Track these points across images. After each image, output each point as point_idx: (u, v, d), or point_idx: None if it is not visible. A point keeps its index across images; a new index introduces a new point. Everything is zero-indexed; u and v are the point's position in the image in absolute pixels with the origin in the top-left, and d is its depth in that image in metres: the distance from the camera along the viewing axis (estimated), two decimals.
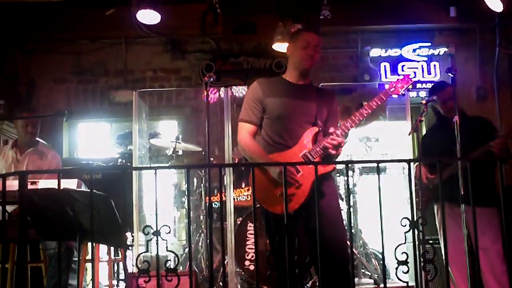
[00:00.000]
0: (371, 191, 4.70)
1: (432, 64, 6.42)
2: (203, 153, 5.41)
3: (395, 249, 2.31)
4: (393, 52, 6.44)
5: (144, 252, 2.61)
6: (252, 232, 4.55)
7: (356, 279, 4.68)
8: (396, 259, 2.31)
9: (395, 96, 3.20)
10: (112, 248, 4.19)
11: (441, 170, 2.50)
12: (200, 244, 5.05)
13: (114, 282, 4.57)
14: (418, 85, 6.31)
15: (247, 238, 4.56)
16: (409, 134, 4.14)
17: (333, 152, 2.95)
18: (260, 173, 2.96)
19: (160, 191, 5.52)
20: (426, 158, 3.85)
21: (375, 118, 4.57)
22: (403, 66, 6.45)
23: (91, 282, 4.08)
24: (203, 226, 5.02)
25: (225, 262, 3.60)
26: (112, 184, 4.06)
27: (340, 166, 4.32)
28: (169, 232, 2.31)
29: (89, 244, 3.69)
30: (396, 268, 2.31)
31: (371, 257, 4.96)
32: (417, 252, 2.39)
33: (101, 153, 6.42)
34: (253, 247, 4.49)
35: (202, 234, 5.01)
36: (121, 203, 3.25)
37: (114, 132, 6.43)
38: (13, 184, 2.49)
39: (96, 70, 6.54)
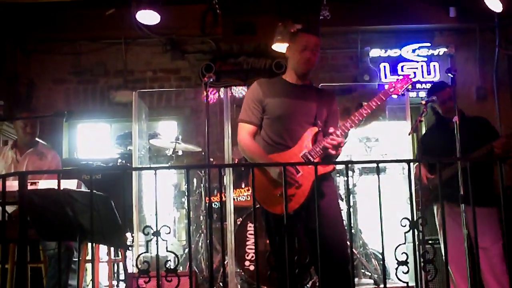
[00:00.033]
0: (371, 191, 4.71)
1: (431, 64, 6.42)
2: (203, 153, 5.41)
3: (395, 249, 2.32)
4: (393, 52, 6.44)
5: (144, 252, 2.61)
6: (252, 232, 4.55)
7: (356, 279, 4.69)
8: (396, 259, 2.31)
9: (394, 96, 3.20)
10: (112, 249, 4.19)
11: (440, 170, 2.50)
12: (200, 244, 5.05)
13: (114, 282, 4.57)
14: (418, 86, 6.30)
15: (247, 239, 4.56)
16: (409, 134, 4.14)
17: (333, 152, 2.95)
18: (260, 174, 2.96)
19: (160, 191, 5.52)
20: (426, 158, 3.85)
21: (375, 118, 4.58)
22: (402, 66, 6.45)
23: (91, 282, 4.08)
24: (203, 227, 5.02)
25: (225, 262, 3.60)
26: (112, 185, 4.07)
27: (340, 166, 4.33)
28: (169, 233, 2.31)
29: (89, 244, 3.69)
30: (396, 269, 2.31)
31: (371, 257, 4.96)
32: (417, 252, 2.39)
33: (100, 153, 6.42)
34: (253, 247, 4.49)
35: (202, 235, 5.01)
36: (121, 204, 3.25)
37: (113, 133, 6.43)
38: (13, 185, 2.49)
39: (96, 71, 6.54)
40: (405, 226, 2.33)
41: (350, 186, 4.97)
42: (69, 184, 3.32)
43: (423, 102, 3.76)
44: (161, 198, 5.53)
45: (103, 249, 4.26)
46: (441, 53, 6.38)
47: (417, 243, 2.41)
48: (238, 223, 4.62)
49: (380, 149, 5.34)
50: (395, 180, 5.28)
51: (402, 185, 5.12)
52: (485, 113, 4.93)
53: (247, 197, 4.84)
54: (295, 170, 2.93)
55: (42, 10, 6.07)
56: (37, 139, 4.34)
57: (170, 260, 3.67)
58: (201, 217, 5.11)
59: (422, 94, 6.17)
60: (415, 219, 2.35)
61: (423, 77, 6.40)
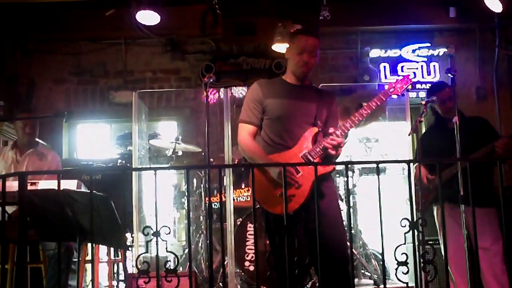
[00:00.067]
0: (370, 191, 4.70)
1: (431, 64, 6.43)
2: (203, 154, 5.41)
3: (395, 249, 2.31)
4: (393, 52, 6.44)
5: (144, 252, 2.61)
6: (252, 232, 4.55)
7: (356, 280, 4.68)
8: (396, 259, 2.31)
9: (394, 96, 3.21)
10: (112, 249, 4.19)
11: (440, 171, 2.50)
12: (200, 244, 5.05)
13: (114, 283, 4.57)
14: (418, 86, 6.31)
15: (247, 239, 4.56)
16: (408, 135, 4.14)
17: (333, 152, 2.95)
18: (260, 174, 2.96)
19: (160, 191, 5.52)
20: (426, 159, 3.85)
21: (374, 119, 4.56)
22: (402, 66, 6.45)
23: (91, 282, 4.08)
24: (203, 227, 5.02)
25: (225, 262, 3.60)
26: (112, 185, 4.07)
27: (340, 167, 4.32)
28: (169, 233, 2.31)
29: (89, 244, 3.69)
30: (396, 269, 2.31)
31: (371, 258, 4.96)
32: (417, 253, 2.39)
33: (100, 154, 6.42)
34: (253, 247, 4.49)
35: (202, 235, 5.01)
36: (120, 204, 3.25)
37: (113, 133, 6.43)
38: (13, 185, 2.49)
39: (96, 71, 6.54)
40: (405, 226, 2.33)
41: (350, 187, 4.97)
42: (69, 184, 3.32)
43: (423, 102, 3.76)
44: (161, 198, 5.53)
45: (103, 249, 4.26)
46: (441, 54, 6.38)
47: (417, 243, 2.42)
48: (238, 223, 4.62)
49: (380, 149, 5.33)
50: (395, 181, 5.28)
51: (401, 185, 5.12)
52: (485, 113, 4.92)
53: (247, 198, 4.84)
54: (295, 171, 2.93)
55: (42, 10, 6.07)
56: (37, 139, 4.35)
57: (170, 260, 3.67)
58: (201, 217, 5.11)
59: (422, 94, 6.17)
60: (415, 219, 2.35)
61: (423, 77, 6.41)
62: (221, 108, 4.96)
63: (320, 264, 2.37)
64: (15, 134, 4.52)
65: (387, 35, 6.54)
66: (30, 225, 2.61)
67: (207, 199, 4.72)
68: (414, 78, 6.27)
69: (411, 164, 2.49)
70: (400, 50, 6.42)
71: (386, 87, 3.23)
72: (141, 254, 2.96)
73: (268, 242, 3.08)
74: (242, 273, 4.51)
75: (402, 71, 6.40)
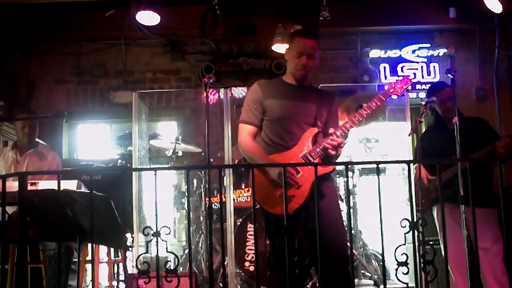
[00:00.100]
0: (370, 192, 4.71)
1: (431, 65, 6.42)
2: (203, 154, 5.40)
3: (395, 250, 2.31)
4: (393, 53, 6.44)
5: (144, 253, 2.61)
6: (252, 233, 4.55)
7: (356, 280, 4.69)
8: (396, 260, 2.31)
9: (394, 97, 3.21)
10: (112, 249, 4.19)
11: (440, 171, 2.50)
12: (200, 245, 5.05)
13: (114, 283, 4.56)
14: (418, 86, 6.31)
15: (247, 239, 4.56)
16: (408, 135, 4.14)
17: (333, 152, 2.96)
18: (260, 174, 2.96)
19: (160, 192, 5.52)
20: (426, 159, 3.85)
21: (374, 119, 4.57)
22: (402, 67, 6.45)
23: (91, 283, 4.08)
24: (203, 227, 5.02)
25: (225, 263, 3.60)
26: (112, 185, 4.07)
27: (340, 167, 4.33)
28: (169, 233, 2.31)
29: (89, 245, 3.70)
30: (396, 269, 2.31)
31: (371, 258, 4.96)
32: (417, 253, 2.39)
33: (100, 154, 6.41)
34: (253, 248, 4.49)
35: (202, 235, 5.01)
36: (121, 204, 3.25)
37: (113, 133, 6.43)
38: (13, 185, 2.49)
39: (96, 71, 6.54)
40: (405, 227, 2.33)
41: (350, 187, 4.97)
42: (69, 184, 3.32)
43: (423, 102, 3.76)
44: (161, 198, 5.53)
45: (103, 249, 4.26)
46: (441, 54, 6.38)
47: (417, 244, 2.42)
48: (238, 223, 4.62)
49: (380, 150, 5.34)
50: (395, 181, 5.28)
51: (402, 185, 5.12)
52: (485, 113, 4.93)
53: (247, 198, 4.84)
54: (295, 171, 2.93)
55: (42, 10, 6.07)
56: (37, 139, 4.35)
57: (170, 260, 3.66)
58: (201, 217, 5.11)
59: (422, 94, 6.17)
60: (415, 220, 2.35)
61: (423, 77, 6.40)
62: (221, 109, 4.97)
63: (320, 264, 2.37)
64: (15, 135, 4.53)
65: (387, 36, 6.54)
66: (30, 225, 2.61)
67: (207, 199, 4.72)
68: (414, 78, 6.27)
69: (411, 164, 2.49)
70: (400, 50, 6.41)
71: (386, 87, 3.23)
72: (141, 254, 2.96)
73: (268, 242, 3.08)
74: (242, 273, 4.51)
75: (402, 71, 6.40)
